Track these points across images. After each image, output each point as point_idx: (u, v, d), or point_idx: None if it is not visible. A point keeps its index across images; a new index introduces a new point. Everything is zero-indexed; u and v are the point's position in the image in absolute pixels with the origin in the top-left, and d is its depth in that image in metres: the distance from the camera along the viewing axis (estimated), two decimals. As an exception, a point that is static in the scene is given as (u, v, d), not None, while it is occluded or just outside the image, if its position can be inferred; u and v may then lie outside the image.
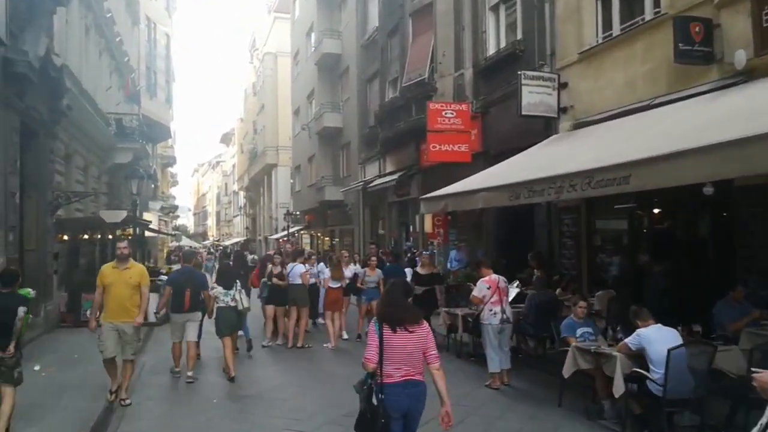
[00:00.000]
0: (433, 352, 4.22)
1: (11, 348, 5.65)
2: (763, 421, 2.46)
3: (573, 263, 10.76)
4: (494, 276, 8.02)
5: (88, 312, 9.12)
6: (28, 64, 10.55)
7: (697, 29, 7.77)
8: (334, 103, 27.71)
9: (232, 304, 8.92)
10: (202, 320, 9.11)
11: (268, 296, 11.20)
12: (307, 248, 23.83)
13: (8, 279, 6.04)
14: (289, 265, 11.28)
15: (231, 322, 8.94)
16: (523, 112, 10.60)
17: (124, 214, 16.74)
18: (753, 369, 3.37)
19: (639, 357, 5.77)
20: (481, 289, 7.95)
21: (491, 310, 7.83)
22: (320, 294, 11.95)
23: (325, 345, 10.96)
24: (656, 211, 9.87)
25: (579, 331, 6.86)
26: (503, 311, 7.86)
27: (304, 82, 32.84)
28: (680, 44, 7.77)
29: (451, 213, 13.94)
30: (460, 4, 14.71)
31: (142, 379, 8.59)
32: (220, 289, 8.99)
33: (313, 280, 11.65)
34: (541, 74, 10.83)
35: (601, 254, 10.87)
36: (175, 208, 51.58)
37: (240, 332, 11.10)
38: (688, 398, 5.55)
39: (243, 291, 9.40)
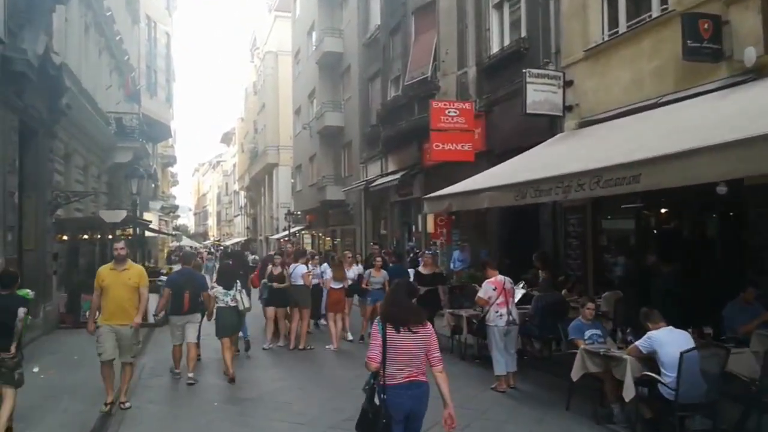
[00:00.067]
0: (436, 355, 4.19)
1: (12, 349, 5.68)
2: None
3: (579, 264, 10.63)
4: (500, 277, 7.90)
5: (87, 313, 9.00)
6: (26, 62, 10.44)
7: (705, 26, 7.65)
8: (335, 102, 27.58)
9: (233, 304, 8.86)
10: (201, 321, 9.01)
11: (269, 297, 11.08)
12: (308, 248, 23.76)
13: (7, 280, 6.04)
14: (291, 266, 11.17)
15: (231, 323, 8.86)
16: (528, 111, 10.47)
17: (124, 213, 16.63)
18: None
19: (649, 360, 5.65)
20: (486, 290, 7.82)
21: (497, 312, 7.71)
22: (323, 295, 11.81)
23: (327, 347, 10.84)
24: (664, 210, 9.75)
25: (587, 333, 6.73)
26: (509, 313, 7.73)
27: (305, 81, 32.71)
28: (689, 41, 7.65)
29: (455, 213, 13.81)
30: (464, 2, 14.58)
31: (142, 382, 8.50)
32: (220, 288, 8.93)
33: (316, 281, 11.54)
34: (546, 72, 10.71)
35: (607, 255, 10.73)
36: (176, 207, 51.50)
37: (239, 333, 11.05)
38: (701, 402, 5.43)
39: (244, 291, 9.34)
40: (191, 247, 40.58)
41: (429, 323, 4.32)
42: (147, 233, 21.44)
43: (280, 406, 7.40)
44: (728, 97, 7.11)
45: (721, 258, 8.64)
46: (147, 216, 27.65)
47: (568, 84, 10.57)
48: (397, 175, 17.86)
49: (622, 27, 9.62)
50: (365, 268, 12.12)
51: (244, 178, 56.58)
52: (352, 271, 11.80)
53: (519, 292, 8.98)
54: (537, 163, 8.87)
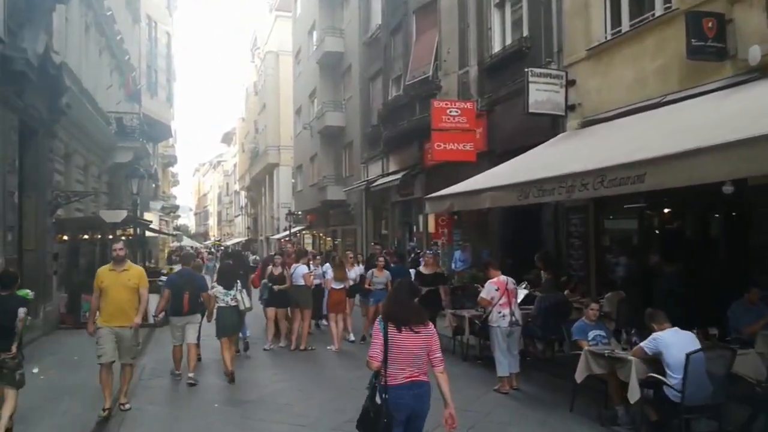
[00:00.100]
0: (438, 355, 4.19)
1: (13, 349, 5.69)
2: None
3: (581, 264, 10.56)
4: (503, 277, 7.84)
5: (87, 314, 8.95)
6: (26, 61, 10.39)
7: (709, 24, 7.58)
8: (336, 101, 27.52)
9: (233, 303, 8.85)
10: (201, 322, 8.97)
11: (269, 298, 11.02)
12: (309, 249, 23.72)
13: (7, 281, 6.05)
14: (293, 266, 11.12)
15: (231, 322, 8.84)
16: (531, 110, 10.41)
17: (124, 213, 16.58)
18: None
19: (655, 361, 5.59)
20: (489, 290, 7.76)
21: (500, 313, 7.65)
22: (325, 295, 11.75)
23: (328, 347, 10.79)
24: (667, 210, 9.67)
25: (591, 334, 6.67)
26: (512, 313, 7.67)
27: (305, 81, 32.67)
28: (693, 40, 7.58)
29: (456, 213, 13.75)
30: (465, 1, 14.50)
31: (142, 383, 8.45)
32: (220, 288, 8.92)
33: (318, 281, 11.49)
34: (548, 71, 10.64)
35: (609, 255, 10.66)
36: (176, 207, 51.48)
37: (246, 332, 11.03)
38: (707, 404, 5.37)
39: (244, 290, 9.34)
40: (192, 247, 40.58)
41: (431, 323, 4.31)
42: (147, 233, 21.39)
43: (281, 407, 7.35)
44: (732, 96, 7.05)
45: (724, 258, 8.58)
46: (147, 216, 27.61)
47: (570, 83, 10.50)
48: (398, 175, 17.80)
49: (625, 26, 9.56)
50: (366, 269, 12.07)
51: (245, 178, 56.56)
52: (354, 272, 11.74)
53: (521, 293, 8.92)
54: (539, 163, 8.81)
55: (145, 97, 27.28)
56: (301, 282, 10.86)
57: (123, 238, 16.57)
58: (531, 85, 10.38)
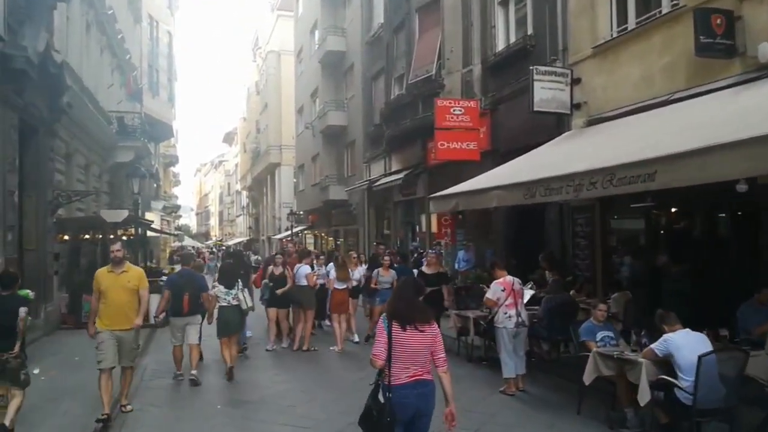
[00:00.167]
0: (442, 355, 4.18)
1: (16, 349, 5.73)
2: None
3: (587, 264, 10.45)
4: (509, 277, 7.74)
5: (88, 314, 8.87)
6: (26, 59, 10.32)
7: (718, 21, 7.49)
8: (338, 101, 27.44)
9: (235, 303, 8.82)
10: (202, 323, 8.91)
11: (270, 298, 10.94)
12: (310, 248, 23.64)
13: (8, 281, 6.08)
14: (296, 266, 11.03)
15: (233, 322, 8.79)
16: (536, 108, 10.30)
17: (125, 213, 16.51)
18: None
19: (665, 363, 5.48)
20: (495, 291, 7.66)
21: (506, 313, 7.55)
22: (329, 296, 11.67)
23: (331, 348, 10.70)
24: (674, 210, 9.57)
25: (599, 335, 6.56)
26: (518, 314, 7.57)
27: (307, 81, 32.60)
28: (701, 37, 7.48)
29: (460, 212, 13.64)
30: (468, -1, 14.43)
31: (144, 383, 8.38)
32: (221, 288, 8.89)
33: (322, 281, 11.40)
34: (553, 69, 10.54)
35: (616, 255, 10.56)
36: (178, 207, 51.44)
37: (248, 332, 10.98)
38: (719, 407, 5.26)
39: (246, 290, 9.32)
40: (193, 247, 40.52)
41: (435, 322, 4.27)
42: (149, 233, 21.32)
43: (284, 409, 7.26)
44: (742, 93, 6.95)
45: (732, 258, 8.47)
46: (149, 216, 27.52)
47: (575, 81, 10.40)
48: (401, 175, 17.71)
49: (631, 23, 9.46)
50: (369, 269, 11.98)
51: (247, 178, 56.51)
52: (357, 272, 11.64)
53: (528, 293, 8.81)
54: (545, 162, 8.71)
55: (147, 97, 27.21)
56: (304, 282, 10.78)
57: (124, 238, 16.55)
58: (536, 83, 10.28)
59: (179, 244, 41.15)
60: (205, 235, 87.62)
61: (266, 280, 11.12)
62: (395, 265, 11.96)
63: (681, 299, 7.71)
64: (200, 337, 8.96)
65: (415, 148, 17.11)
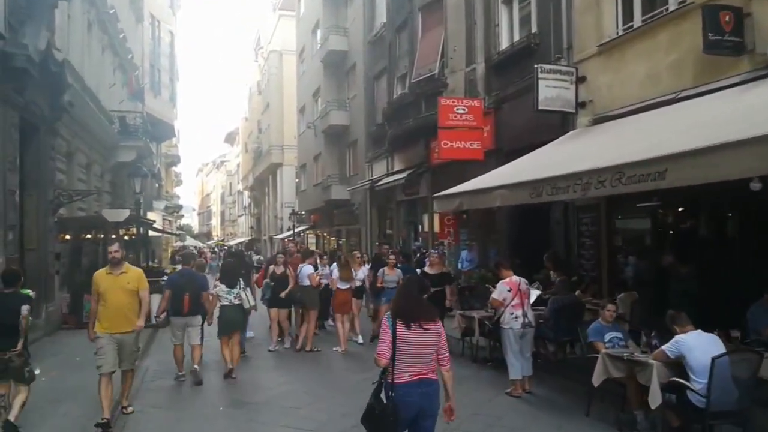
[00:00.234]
0: (446, 354, 4.20)
1: (19, 346, 5.80)
2: None
3: (592, 264, 10.35)
4: (515, 278, 7.64)
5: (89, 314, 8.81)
6: (27, 58, 10.24)
7: (727, 18, 7.40)
8: (340, 100, 27.36)
9: (236, 302, 8.77)
10: (203, 324, 8.84)
11: (271, 298, 10.86)
12: (312, 248, 23.54)
13: (11, 278, 6.16)
14: (299, 266, 10.95)
15: (234, 321, 8.74)
16: (540, 107, 10.22)
17: (127, 213, 16.43)
18: None
19: (677, 365, 5.38)
20: (501, 291, 7.56)
21: (512, 314, 7.44)
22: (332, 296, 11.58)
23: (334, 349, 10.61)
24: (681, 209, 9.46)
25: (607, 336, 6.45)
26: (525, 315, 7.47)
27: (309, 80, 32.54)
28: (709, 34, 7.39)
29: (465, 212, 13.54)
30: (472, -3, 14.33)
31: (145, 384, 8.31)
32: (222, 287, 8.84)
33: (325, 281, 11.32)
34: (558, 68, 10.45)
35: (622, 255, 10.45)
36: (180, 207, 51.35)
37: (250, 333, 10.90)
38: (732, 410, 5.15)
39: (248, 289, 9.30)
40: (195, 247, 40.44)
41: (440, 321, 4.26)
42: (151, 233, 21.27)
43: (287, 411, 7.16)
44: (751, 91, 6.85)
45: (741, 258, 8.36)
46: (151, 216, 27.45)
47: (581, 80, 10.32)
48: (404, 174, 17.63)
49: (638, 21, 9.38)
50: (372, 268, 11.89)
51: (248, 178, 56.46)
52: (361, 272, 11.55)
53: (534, 293, 8.70)
54: (550, 161, 8.63)
55: (149, 97, 27.12)
56: (307, 282, 10.69)
57: (126, 238, 16.50)
58: (540, 82, 10.20)
59: (181, 244, 41.09)
60: (207, 235, 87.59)
61: (267, 280, 11.06)
62: (398, 264, 11.88)
63: (688, 299, 7.59)
64: (202, 338, 8.91)
65: (417, 148, 17.02)
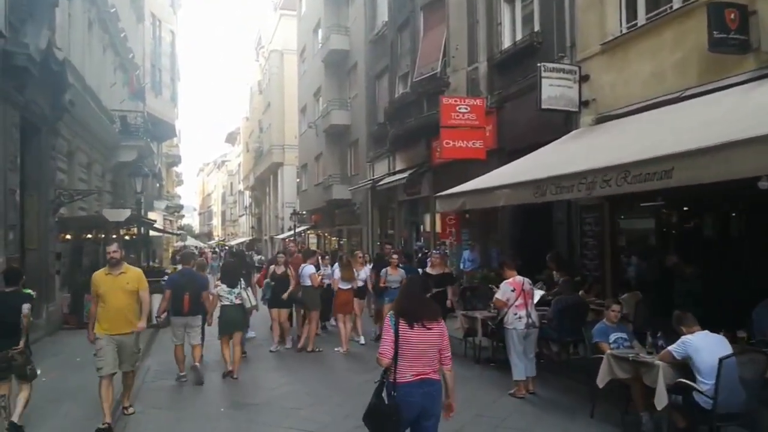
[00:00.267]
0: (448, 354, 4.19)
1: (21, 344, 5.84)
2: None
3: (595, 264, 10.28)
4: (519, 278, 7.58)
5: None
6: (28, 56, 10.21)
7: (732, 16, 7.33)
8: (341, 100, 27.31)
9: (237, 302, 8.74)
10: (203, 324, 8.79)
11: (271, 298, 10.82)
12: (313, 248, 23.49)
13: (12, 276, 6.19)
14: (301, 266, 10.90)
15: (235, 320, 8.71)
16: (543, 106, 10.14)
17: (128, 212, 16.41)
18: None
19: (682, 366, 5.32)
20: (505, 291, 7.50)
21: (516, 314, 7.38)
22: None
23: (336, 349, 10.55)
24: (686, 209, 9.40)
25: (612, 337, 6.39)
26: (528, 315, 7.41)
27: (310, 80, 32.48)
28: (714, 32, 7.32)
29: (467, 211, 13.47)
30: (474, -4, 14.27)
31: (146, 385, 8.27)
32: (224, 287, 8.80)
33: (327, 281, 11.27)
34: (561, 66, 10.38)
35: (625, 255, 10.39)
36: (181, 207, 51.35)
37: (252, 333, 10.85)
38: (739, 411, 5.09)
39: (249, 289, 9.29)
40: (196, 247, 40.41)
41: (442, 320, 4.24)
42: (151, 233, 21.22)
43: (289, 412, 7.11)
44: (757, 89, 6.79)
45: (747, 258, 8.30)
46: (151, 215, 27.42)
47: (584, 79, 10.25)
48: (405, 174, 17.58)
49: (641, 19, 9.31)
50: (374, 268, 11.83)
51: (249, 178, 56.42)
52: (363, 272, 11.50)
53: (537, 293, 8.64)
54: (553, 160, 8.56)
55: (150, 96, 27.09)
56: (308, 282, 10.64)
57: (126, 238, 16.45)
58: (544, 81, 10.12)
59: (182, 244, 41.06)
60: (208, 235, 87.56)
61: (267, 279, 11.02)
62: (400, 265, 11.83)
63: (692, 299, 7.53)
64: (203, 338, 8.87)
65: (419, 147, 16.97)
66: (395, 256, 11.30)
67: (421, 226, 18.65)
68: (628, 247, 10.48)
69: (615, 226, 10.24)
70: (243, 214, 67.99)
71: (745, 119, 5.64)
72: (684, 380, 5.24)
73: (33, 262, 11.72)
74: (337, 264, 11.55)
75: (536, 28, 12.00)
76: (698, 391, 5.08)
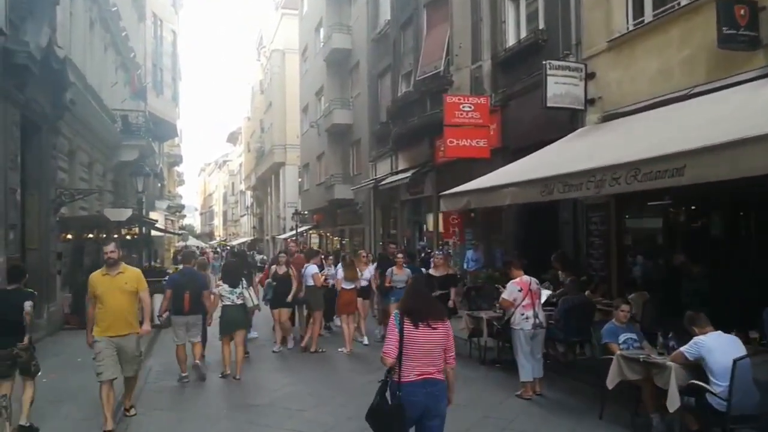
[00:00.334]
0: (452, 354, 4.18)
1: (26, 340, 5.87)
2: None
3: (601, 264, 10.18)
4: (525, 277, 7.47)
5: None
6: (29, 55, 10.14)
7: (742, 12, 7.25)
8: (343, 99, 27.21)
9: (239, 301, 8.69)
10: (204, 323, 8.73)
11: (272, 298, 10.74)
12: (316, 248, 23.41)
13: (15, 274, 6.21)
14: (304, 266, 10.82)
15: (236, 320, 8.65)
16: (549, 104, 10.05)
17: (129, 212, 16.34)
18: None
19: (695, 367, 5.22)
20: (512, 291, 7.39)
21: (523, 315, 7.27)
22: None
23: (339, 350, 10.46)
24: (693, 207, 9.29)
25: (622, 337, 6.28)
26: (536, 315, 7.30)
27: (312, 79, 32.38)
28: (724, 28, 7.24)
29: (472, 210, 13.37)
30: (478, -6, 14.17)
31: (149, 385, 8.18)
32: (225, 287, 8.74)
33: (331, 281, 11.18)
34: (567, 64, 10.29)
35: (632, 255, 10.28)
36: (182, 207, 51.32)
37: (254, 333, 10.76)
38: (753, 413, 4.98)
39: (251, 288, 9.23)
40: (197, 247, 40.36)
41: (448, 320, 4.21)
42: (153, 233, 21.15)
43: (292, 413, 7.02)
44: (766, 86, 6.69)
45: (755, 257, 8.19)
46: (153, 215, 27.37)
47: (590, 76, 10.16)
48: (408, 173, 17.48)
49: (648, 16, 9.23)
50: (377, 268, 11.73)
51: (251, 178, 56.35)
52: (367, 272, 11.40)
53: (545, 293, 8.53)
54: (559, 159, 8.48)
55: (151, 96, 27.03)
56: (311, 282, 10.55)
57: (128, 237, 16.38)
58: (549, 78, 10.04)
59: (183, 243, 41.00)
60: (209, 235, 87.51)
61: (269, 279, 10.95)
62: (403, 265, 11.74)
63: (699, 299, 7.43)
64: (205, 338, 8.79)
65: (422, 146, 16.88)
66: (401, 256, 11.19)
67: (424, 226, 18.55)
68: (634, 246, 10.38)
69: (621, 225, 10.14)
70: (244, 214, 67.95)
71: (757, 116, 5.54)
72: (697, 381, 5.13)
73: (34, 261, 11.63)
74: (340, 264, 11.45)
75: (541, 25, 11.90)
76: (711, 392, 4.98)
